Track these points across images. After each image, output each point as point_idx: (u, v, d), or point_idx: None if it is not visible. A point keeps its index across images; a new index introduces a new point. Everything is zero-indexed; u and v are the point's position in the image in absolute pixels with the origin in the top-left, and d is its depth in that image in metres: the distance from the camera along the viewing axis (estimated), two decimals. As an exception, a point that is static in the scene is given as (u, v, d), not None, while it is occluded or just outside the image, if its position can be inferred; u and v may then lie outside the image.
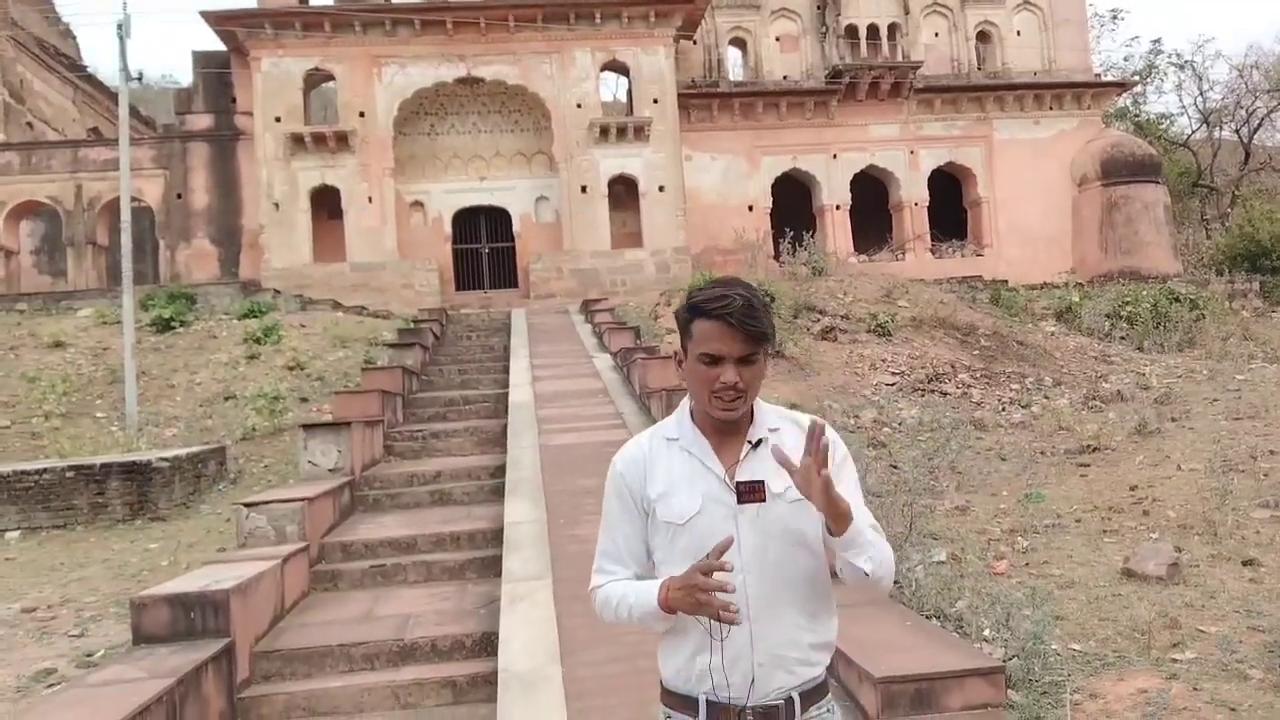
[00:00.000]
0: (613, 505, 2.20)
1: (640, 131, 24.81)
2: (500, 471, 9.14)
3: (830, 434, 2.07)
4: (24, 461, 12.79)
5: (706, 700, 2.05)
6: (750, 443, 2.10)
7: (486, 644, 5.63)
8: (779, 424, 2.16)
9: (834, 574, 2.11)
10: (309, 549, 7.07)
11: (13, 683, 5.94)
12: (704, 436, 2.13)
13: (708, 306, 2.05)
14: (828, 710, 2.14)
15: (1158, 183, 27.94)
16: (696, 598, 1.91)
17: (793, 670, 2.06)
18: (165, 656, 4.93)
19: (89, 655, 6.36)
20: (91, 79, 33.55)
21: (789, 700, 2.05)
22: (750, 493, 2.02)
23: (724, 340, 2.02)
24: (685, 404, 2.20)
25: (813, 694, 2.10)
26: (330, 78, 24.88)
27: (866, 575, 1.98)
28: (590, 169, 24.77)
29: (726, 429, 2.11)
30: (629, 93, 26.81)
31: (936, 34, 28.52)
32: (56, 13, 33.71)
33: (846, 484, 2.06)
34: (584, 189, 24.75)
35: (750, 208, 26.87)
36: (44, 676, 6.00)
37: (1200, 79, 39.19)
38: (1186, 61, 39.15)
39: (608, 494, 2.22)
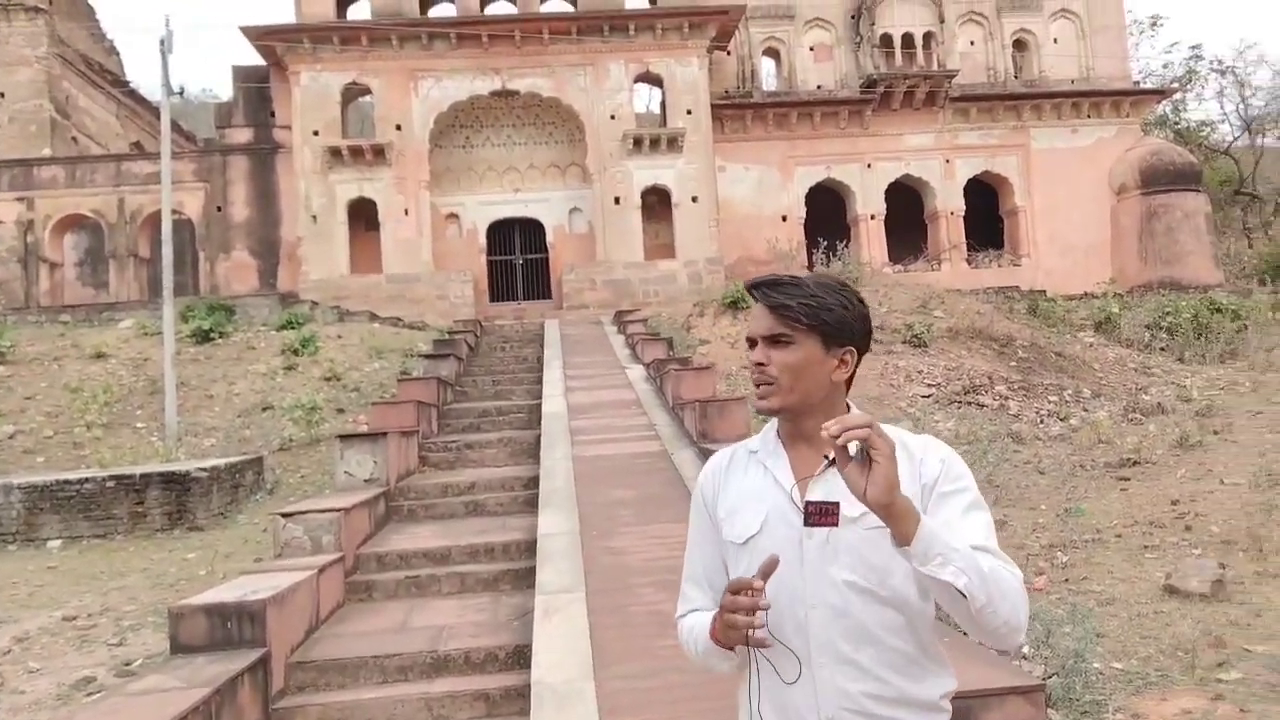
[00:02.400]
0: (692, 522, 2.02)
1: (674, 142, 24.86)
2: (534, 483, 9.15)
3: (925, 452, 1.82)
4: (66, 471, 13.01)
5: None
6: (827, 458, 1.75)
7: (520, 656, 5.62)
8: None
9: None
10: (344, 559, 7.11)
11: (53, 690, 6.02)
12: (784, 449, 1.89)
13: (748, 284, 1.91)
14: None
15: (1198, 191, 27.56)
16: (725, 619, 1.68)
17: None
18: (202, 666, 4.96)
19: (128, 664, 6.43)
20: (134, 94, 34.21)
21: None
22: (819, 514, 1.69)
23: (755, 318, 1.87)
24: None
25: None
26: (367, 91, 25.18)
27: (961, 594, 1.60)
28: (623, 180, 24.84)
29: (805, 441, 1.85)
30: (663, 104, 26.89)
31: (972, 42, 28.33)
32: (102, 30, 34.43)
33: (950, 510, 1.75)
34: (617, 200, 24.82)
35: (784, 218, 26.82)
36: (84, 685, 6.08)
37: (1242, 85, 38.74)
38: (1228, 67, 38.68)
39: (691, 509, 2.04)
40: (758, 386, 1.85)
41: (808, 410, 1.84)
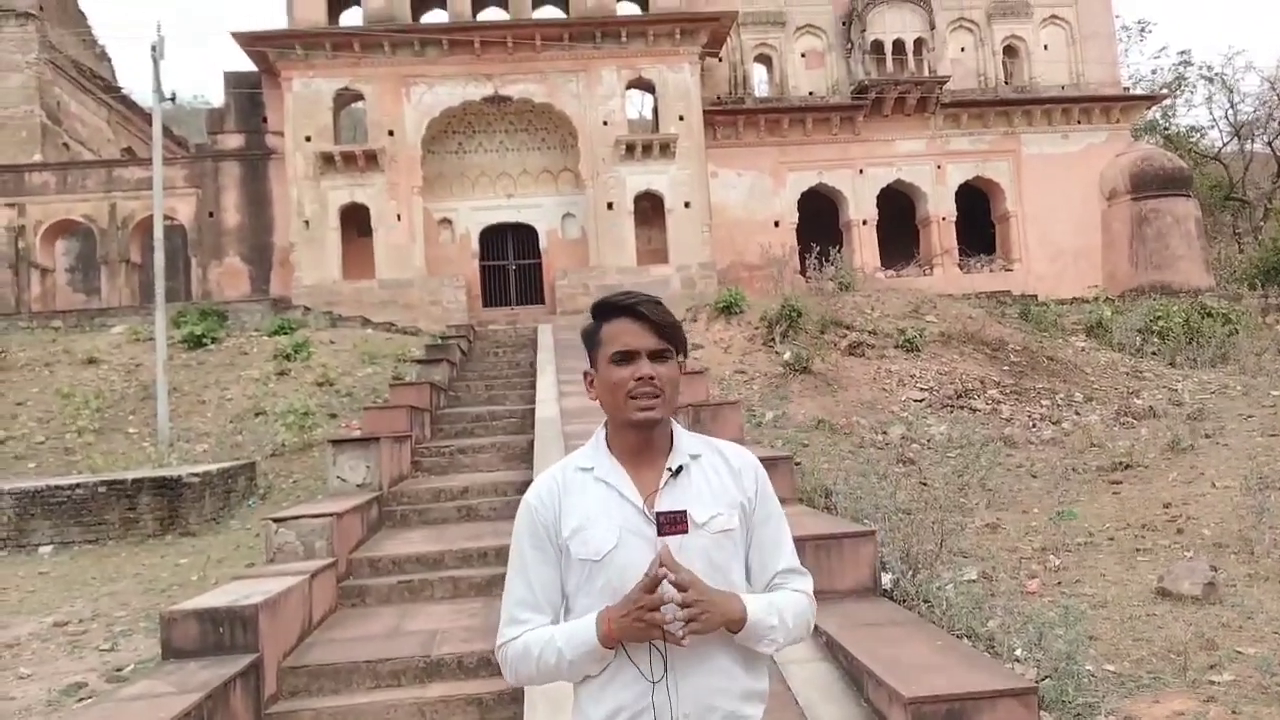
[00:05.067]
0: (525, 545, 2.02)
1: (666, 148, 24.88)
2: (527, 487, 9.10)
3: (741, 462, 2.02)
4: (57, 476, 12.95)
5: None
6: (670, 470, 1.96)
7: (513, 661, 5.60)
8: (700, 450, 2.03)
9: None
10: (337, 564, 7.09)
11: (43, 696, 6.00)
12: (620, 464, 1.98)
13: (615, 302, 2.02)
14: None
15: (1188, 196, 27.66)
16: (644, 618, 1.77)
17: None
18: (194, 671, 4.94)
19: (119, 669, 6.41)
20: (126, 100, 34.12)
21: None
22: (671, 524, 1.88)
23: (635, 335, 1.97)
24: (600, 433, 2.06)
25: None
26: (359, 97, 25.15)
27: (771, 658, 1.94)
28: (616, 186, 24.86)
29: (644, 455, 1.98)
30: (655, 110, 26.89)
31: (963, 49, 28.44)
32: (93, 35, 34.35)
33: (765, 534, 2.00)
34: (610, 206, 24.84)
35: (776, 223, 26.86)
36: (74, 690, 6.05)
37: (1231, 91, 38.88)
38: (1216, 74, 38.86)
39: (519, 533, 2.04)
40: (638, 399, 1.93)
41: (668, 418, 2.01)
